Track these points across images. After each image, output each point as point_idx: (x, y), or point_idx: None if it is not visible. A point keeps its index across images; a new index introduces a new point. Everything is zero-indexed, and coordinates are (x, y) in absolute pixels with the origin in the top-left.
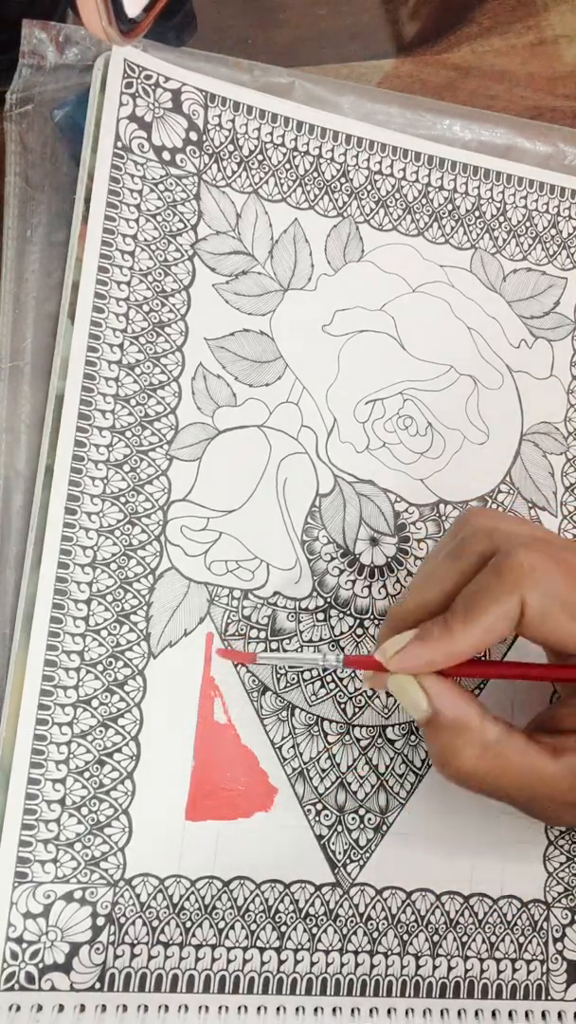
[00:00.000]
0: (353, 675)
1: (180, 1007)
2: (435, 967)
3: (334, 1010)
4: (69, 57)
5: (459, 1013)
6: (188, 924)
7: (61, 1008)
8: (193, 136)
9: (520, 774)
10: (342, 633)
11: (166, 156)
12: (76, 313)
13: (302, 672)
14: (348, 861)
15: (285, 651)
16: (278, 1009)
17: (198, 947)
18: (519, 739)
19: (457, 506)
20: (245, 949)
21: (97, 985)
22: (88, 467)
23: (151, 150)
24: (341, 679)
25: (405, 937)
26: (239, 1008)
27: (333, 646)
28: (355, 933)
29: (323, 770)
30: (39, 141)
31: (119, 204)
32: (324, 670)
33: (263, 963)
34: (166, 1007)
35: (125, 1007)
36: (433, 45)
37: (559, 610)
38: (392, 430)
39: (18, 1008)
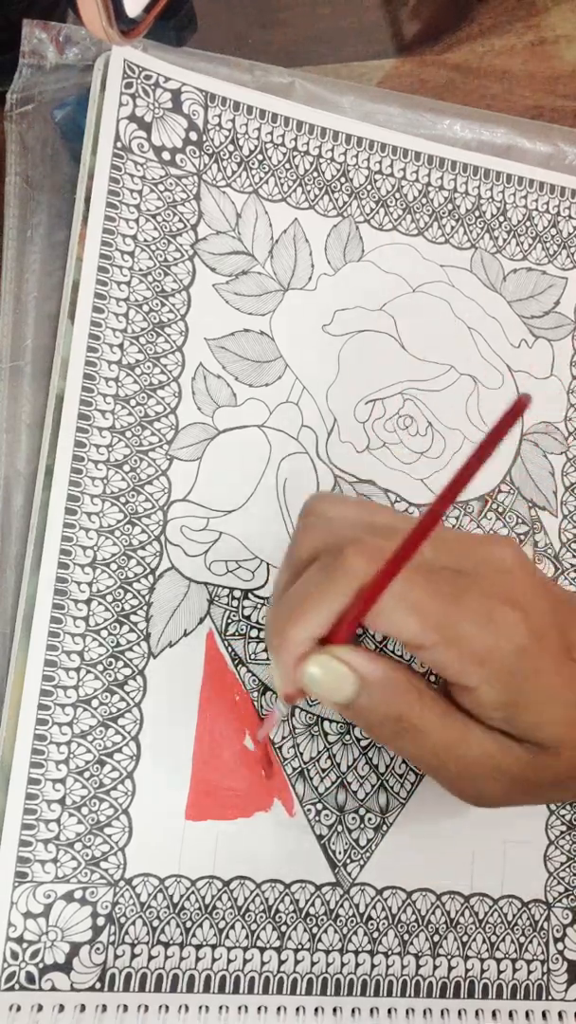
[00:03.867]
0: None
1: (180, 1007)
2: (435, 967)
3: (334, 1010)
4: (69, 57)
5: (459, 1013)
6: (188, 924)
7: (61, 1008)
8: (193, 136)
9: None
10: None
11: (166, 156)
12: (76, 313)
13: None
14: (348, 861)
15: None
16: (278, 1009)
17: (198, 947)
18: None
19: (457, 506)
20: (245, 949)
21: (97, 985)
22: (88, 467)
23: (151, 150)
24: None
25: (405, 937)
26: (239, 1008)
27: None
28: (355, 933)
29: (323, 770)
30: (39, 141)
31: (119, 204)
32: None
33: (263, 963)
34: (166, 1007)
35: (125, 1007)
36: (433, 45)
37: (391, 606)
38: (392, 430)
39: (18, 1008)
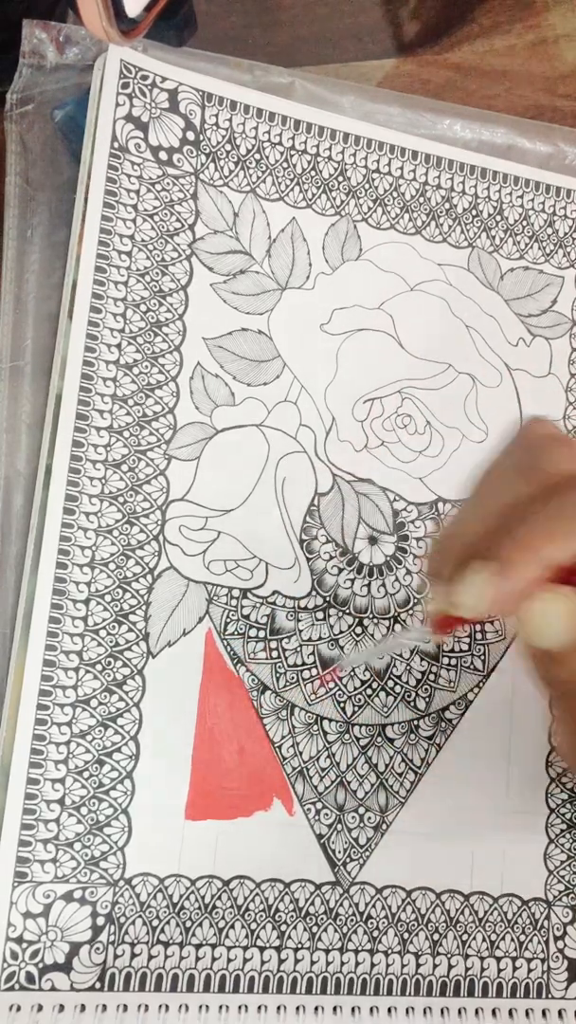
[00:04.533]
0: (352, 674)
1: (180, 1007)
2: (435, 966)
3: (334, 1009)
4: (69, 57)
5: (459, 1012)
6: (188, 923)
7: (61, 1008)
8: (190, 136)
9: None
10: (341, 632)
11: (163, 156)
12: (74, 313)
13: (301, 671)
14: (348, 860)
15: (336, 651)
16: (278, 1008)
17: (198, 946)
18: None
19: (456, 504)
20: (245, 948)
21: (97, 985)
22: (86, 467)
23: (148, 150)
24: (340, 678)
25: (405, 936)
26: (239, 1007)
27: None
28: (355, 932)
29: (323, 769)
30: (39, 141)
31: (116, 204)
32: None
33: (263, 962)
34: (166, 1007)
35: (125, 1007)
36: (433, 45)
37: None
38: (391, 428)
39: (18, 1008)
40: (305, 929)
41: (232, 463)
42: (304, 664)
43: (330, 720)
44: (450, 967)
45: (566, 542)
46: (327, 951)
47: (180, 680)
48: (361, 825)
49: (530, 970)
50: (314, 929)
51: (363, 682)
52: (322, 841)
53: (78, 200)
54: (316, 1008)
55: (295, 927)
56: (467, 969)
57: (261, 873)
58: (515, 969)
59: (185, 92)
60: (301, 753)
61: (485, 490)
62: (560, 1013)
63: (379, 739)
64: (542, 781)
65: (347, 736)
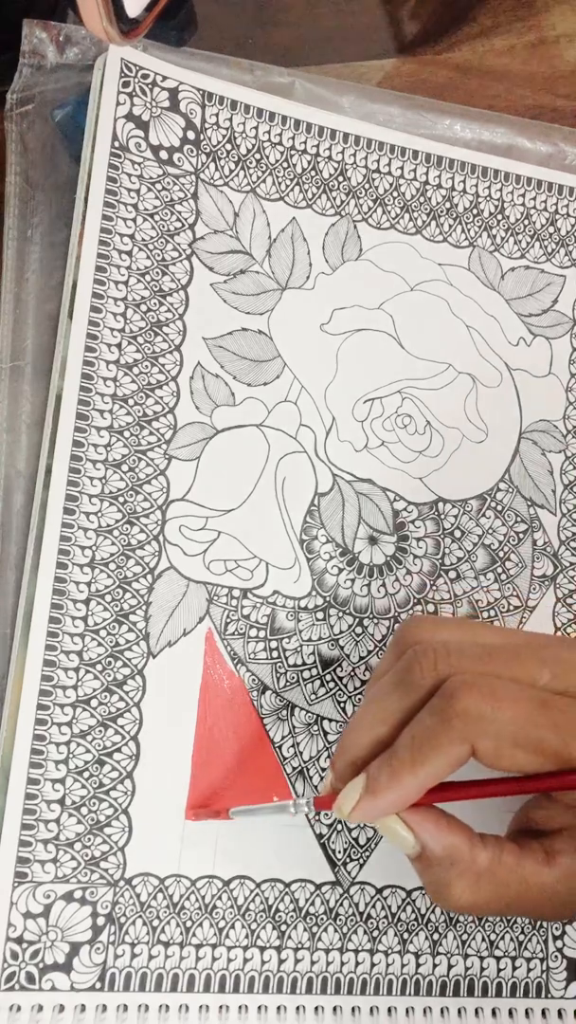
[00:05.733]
0: (353, 674)
1: (180, 1007)
2: (435, 965)
3: (334, 1009)
4: (69, 57)
5: (459, 1011)
6: (188, 923)
7: (62, 1008)
8: (191, 135)
9: (518, 892)
10: (341, 632)
11: (163, 155)
12: (74, 313)
13: (302, 671)
14: (348, 860)
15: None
16: (278, 1008)
17: (198, 946)
18: (510, 856)
19: (456, 504)
20: (245, 948)
21: (97, 985)
22: (87, 467)
23: (148, 149)
24: (341, 678)
25: (405, 935)
26: (239, 1008)
27: (302, 794)
28: (355, 932)
29: (323, 769)
30: (39, 141)
31: (116, 204)
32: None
33: (263, 962)
34: (166, 1007)
35: (125, 1007)
36: (434, 45)
37: (510, 746)
38: (391, 429)
39: (18, 1008)
40: (305, 929)
41: (232, 463)
42: (304, 664)
43: (330, 720)
44: (450, 967)
45: (426, 771)
46: (327, 951)
47: (180, 680)
48: (361, 825)
49: (529, 970)
50: (314, 929)
51: (363, 682)
52: (322, 841)
53: (78, 200)
54: (316, 1008)
55: (295, 927)
56: (467, 969)
57: (261, 873)
58: (514, 969)
59: (186, 91)
60: (301, 753)
61: (372, 697)
62: (560, 1013)
63: None
64: None
65: None
